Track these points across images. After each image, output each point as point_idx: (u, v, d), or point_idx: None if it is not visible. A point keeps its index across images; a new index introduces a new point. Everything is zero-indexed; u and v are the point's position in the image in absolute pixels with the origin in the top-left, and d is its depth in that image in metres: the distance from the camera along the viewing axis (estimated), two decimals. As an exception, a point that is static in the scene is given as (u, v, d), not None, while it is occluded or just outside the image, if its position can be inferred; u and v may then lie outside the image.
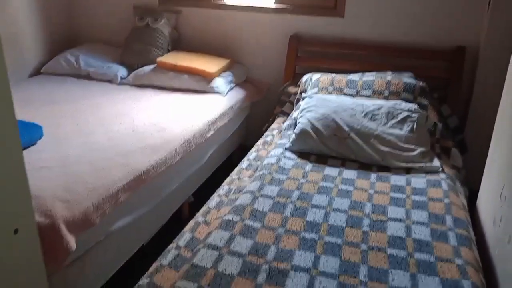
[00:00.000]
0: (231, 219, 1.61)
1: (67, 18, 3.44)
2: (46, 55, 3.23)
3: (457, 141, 2.50)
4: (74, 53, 3.14)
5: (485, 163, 1.97)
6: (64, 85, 2.87)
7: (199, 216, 1.73)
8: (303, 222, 1.62)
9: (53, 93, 2.69)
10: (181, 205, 2.44)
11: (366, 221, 1.64)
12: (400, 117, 2.22)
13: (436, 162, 2.08)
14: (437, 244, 1.51)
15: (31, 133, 2.02)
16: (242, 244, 1.47)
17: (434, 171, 2.04)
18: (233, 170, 2.14)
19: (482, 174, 1.99)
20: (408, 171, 2.06)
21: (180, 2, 3.21)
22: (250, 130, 3.26)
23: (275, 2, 3.04)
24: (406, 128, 2.18)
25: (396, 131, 2.17)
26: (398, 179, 1.97)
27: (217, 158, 2.82)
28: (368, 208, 1.73)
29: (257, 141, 2.53)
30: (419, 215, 1.69)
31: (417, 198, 1.81)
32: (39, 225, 1.43)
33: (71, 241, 1.49)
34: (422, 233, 1.57)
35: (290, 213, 1.67)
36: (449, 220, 1.65)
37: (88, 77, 3.03)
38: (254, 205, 1.71)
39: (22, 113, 2.30)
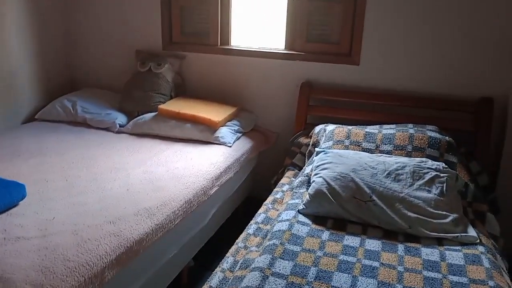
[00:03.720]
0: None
1: (65, 62, 3.28)
2: (42, 100, 3.04)
3: (488, 202, 2.24)
4: (71, 99, 2.96)
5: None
6: (58, 133, 2.66)
7: (198, 299, 1.46)
8: (324, 313, 1.35)
9: (45, 143, 2.47)
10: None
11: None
12: (427, 177, 1.97)
13: (472, 231, 1.82)
14: None
15: (12, 193, 1.80)
16: None
17: (470, 242, 1.77)
18: (238, 225, 1.89)
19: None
20: (440, 242, 1.79)
21: (185, 47, 3.05)
22: (256, 181, 3.01)
23: (285, 48, 2.88)
24: (435, 190, 1.93)
25: (424, 194, 1.92)
26: (430, 253, 1.70)
27: (221, 216, 2.56)
28: (399, 293, 1.46)
29: (265, 193, 2.30)
30: (461, 303, 1.41)
31: (455, 279, 1.54)
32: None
33: None
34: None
35: (307, 300, 1.40)
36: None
37: (85, 124, 2.83)
38: (264, 287, 1.45)
39: (7, 168, 2.11)
